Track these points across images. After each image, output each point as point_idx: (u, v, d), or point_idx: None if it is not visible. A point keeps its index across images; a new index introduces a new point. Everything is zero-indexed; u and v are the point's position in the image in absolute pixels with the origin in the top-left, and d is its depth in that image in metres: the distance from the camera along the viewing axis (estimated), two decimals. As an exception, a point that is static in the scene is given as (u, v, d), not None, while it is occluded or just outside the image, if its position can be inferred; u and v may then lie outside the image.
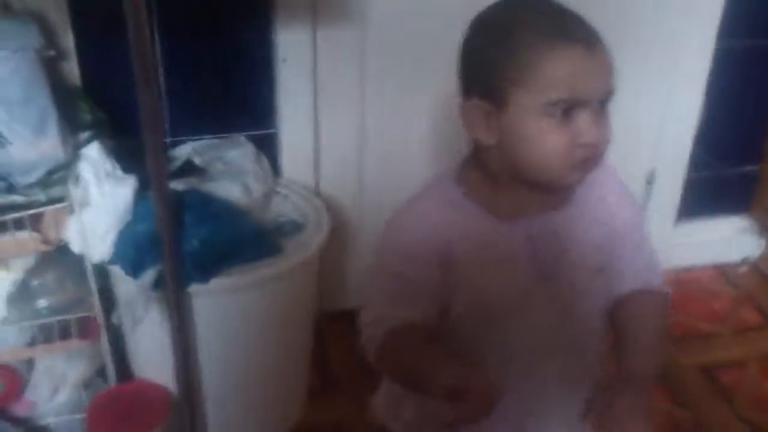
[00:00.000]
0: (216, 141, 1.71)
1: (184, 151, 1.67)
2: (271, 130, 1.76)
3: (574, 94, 0.86)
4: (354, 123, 1.82)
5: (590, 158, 0.90)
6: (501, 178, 0.95)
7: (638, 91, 1.89)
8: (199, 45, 1.65)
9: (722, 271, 2.27)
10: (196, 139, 1.71)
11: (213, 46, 1.65)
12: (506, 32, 0.89)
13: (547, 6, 0.90)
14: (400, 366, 0.94)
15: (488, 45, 0.91)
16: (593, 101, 0.87)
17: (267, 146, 1.76)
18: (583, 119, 0.87)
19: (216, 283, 1.42)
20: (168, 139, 1.69)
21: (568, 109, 0.86)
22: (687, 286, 2.22)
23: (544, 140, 0.88)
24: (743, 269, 2.28)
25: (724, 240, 2.25)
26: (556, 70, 0.86)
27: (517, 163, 0.92)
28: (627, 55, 1.87)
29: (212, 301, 1.47)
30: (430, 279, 0.95)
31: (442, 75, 1.78)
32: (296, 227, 1.59)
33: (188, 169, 1.55)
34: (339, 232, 1.96)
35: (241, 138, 1.71)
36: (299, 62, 1.69)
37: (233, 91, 1.71)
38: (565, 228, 0.97)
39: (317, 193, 1.85)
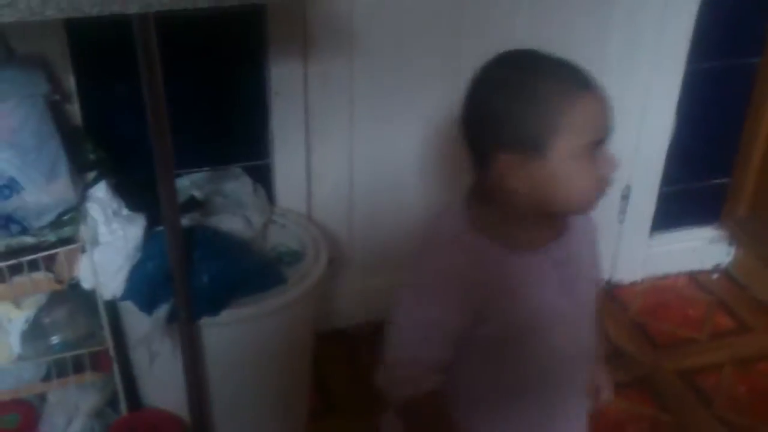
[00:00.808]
0: (213, 173, 1.76)
1: (182, 184, 1.71)
2: (266, 161, 1.82)
3: (599, 134, 0.97)
4: (344, 152, 1.89)
5: (608, 185, 1.01)
6: (525, 215, 1.01)
7: (614, 112, 1.98)
8: (195, 80, 1.69)
9: (696, 278, 2.38)
10: (193, 172, 1.76)
11: (208, 81, 1.71)
12: (529, 86, 0.95)
13: (547, 58, 0.98)
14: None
15: (513, 101, 0.96)
16: (606, 138, 0.98)
17: (261, 176, 1.81)
18: (604, 154, 0.98)
19: (225, 315, 1.48)
20: (166, 173, 1.74)
21: (594, 148, 0.96)
22: (663, 293, 2.32)
23: (582, 178, 0.97)
24: (715, 276, 2.39)
25: (696, 249, 2.36)
26: (587, 114, 0.95)
27: (554, 201, 0.99)
28: (604, 79, 1.99)
29: (221, 331, 1.53)
30: (461, 321, 1.02)
31: (428, 103, 1.89)
32: (295, 256, 1.65)
33: (191, 204, 1.60)
34: (332, 255, 2.02)
35: (238, 170, 1.77)
36: (291, 95, 1.75)
37: (228, 123, 1.76)
38: (573, 249, 1.07)
39: (310, 220, 1.91)
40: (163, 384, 1.61)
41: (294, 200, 1.87)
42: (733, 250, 2.37)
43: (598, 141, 0.96)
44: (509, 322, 1.03)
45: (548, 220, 1.03)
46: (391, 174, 1.96)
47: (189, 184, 1.72)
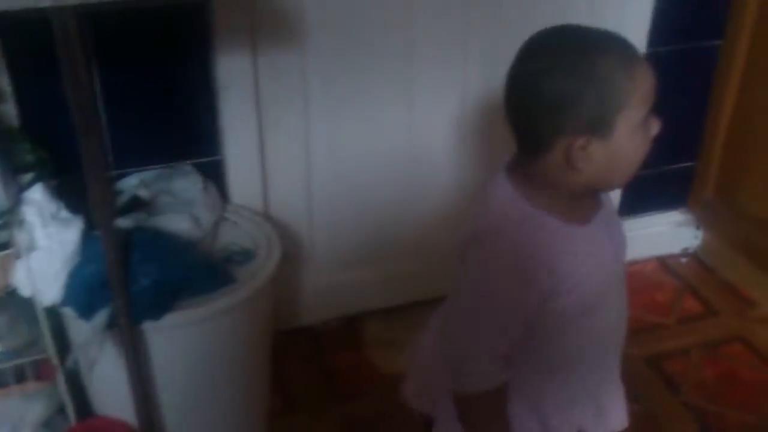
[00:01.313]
0: (163, 171, 1.71)
1: (130, 183, 1.67)
2: (217, 157, 1.77)
3: (652, 101, 0.97)
4: (300, 145, 1.85)
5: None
6: (578, 192, 1.01)
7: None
8: (139, 75, 1.65)
9: (664, 262, 2.35)
10: (142, 170, 1.71)
11: (153, 76, 1.66)
12: (583, 67, 0.92)
13: (588, 33, 0.96)
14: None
15: (569, 84, 0.93)
16: (652, 103, 0.98)
17: (214, 173, 1.77)
18: (653, 120, 0.98)
19: (170, 318, 1.43)
20: (114, 172, 1.69)
21: (648, 115, 0.97)
22: (632, 278, 2.23)
23: (641, 150, 0.98)
24: (684, 260, 2.36)
25: (664, 233, 2.33)
26: (644, 86, 0.94)
27: (615, 177, 1.01)
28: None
29: (168, 335, 1.48)
30: (538, 299, 1.01)
31: (387, 90, 1.85)
32: (247, 255, 1.61)
33: (134, 204, 1.55)
34: (291, 252, 1.98)
35: (188, 167, 1.72)
36: (241, 88, 1.70)
37: (176, 119, 1.71)
38: (610, 222, 1.10)
39: (267, 216, 1.86)
40: (111, 390, 1.56)
41: (249, 196, 1.82)
42: (701, 234, 2.34)
43: (651, 108, 0.97)
44: (584, 292, 1.03)
45: (593, 194, 1.05)
46: (352, 165, 1.91)
47: (137, 182, 1.67)
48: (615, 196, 2.21)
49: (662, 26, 1.97)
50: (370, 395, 1.91)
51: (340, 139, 1.87)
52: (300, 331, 2.10)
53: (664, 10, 1.95)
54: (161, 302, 1.41)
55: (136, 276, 1.38)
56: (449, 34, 1.83)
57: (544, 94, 0.94)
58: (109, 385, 1.56)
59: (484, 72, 1.89)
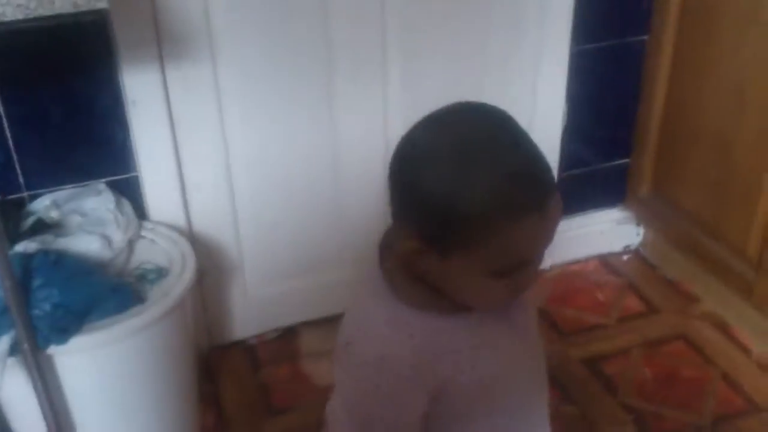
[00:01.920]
0: (75, 190, 1.67)
1: (42, 204, 1.63)
2: (133, 174, 1.74)
3: (523, 258, 0.83)
4: (219, 157, 1.81)
5: (519, 295, 0.88)
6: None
7: (503, 97, 1.92)
8: (44, 95, 1.61)
9: (606, 261, 2.33)
10: (55, 190, 1.68)
11: (59, 95, 1.62)
12: (452, 184, 0.78)
13: (502, 145, 0.80)
14: None
15: (430, 190, 0.80)
16: (539, 257, 0.85)
17: (130, 190, 1.73)
18: (525, 274, 0.85)
19: (76, 342, 1.40)
20: (24, 193, 1.66)
21: (511, 270, 0.83)
22: (573, 278, 2.27)
23: (483, 294, 0.85)
24: (626, 257, 2.35)
25: (605, 231, 2.31)
26: (509, 241, 0.79)
27: (450, 295, 0.87)
28: (488, 69, 1.94)
29: (78, 358, 1.45)
30: (420, 415, 0.89)
31: (303, 94, 1.82)
32: (161, 273, 1.57)
33: (38, 227, 1.51)
34: (220, 266, 1.95)
35: (101, 185, 1.68)
36: (151, 103, 1.66)
37: (87, 137, 1.67)
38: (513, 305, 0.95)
39: (190, 232, 1.83)
40: (26, 415, 1.52)
41: (169, 213, 1.79)
42: (642, 230, 2.33)
43: (520, 264, 0.83)
44: (479, 387, 0.91)
45: None
46: (275, 174, 1.88)
47: (49, 203, 1.63)
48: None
49: (586, 23, 1.95)
50: (306, 408, 1.88)
51: (260, 149, 1.84)
52: (235, 345, 2.07)
53: (586, 6, 1.93)
54: (65, 326, 1.37)
55: (36, 301, 1.35)
56: (367, 36, 1.80)
57: (409, 176, 0.82)
58: (24, 410, 1.52)
59: (405, 72, 1.87)
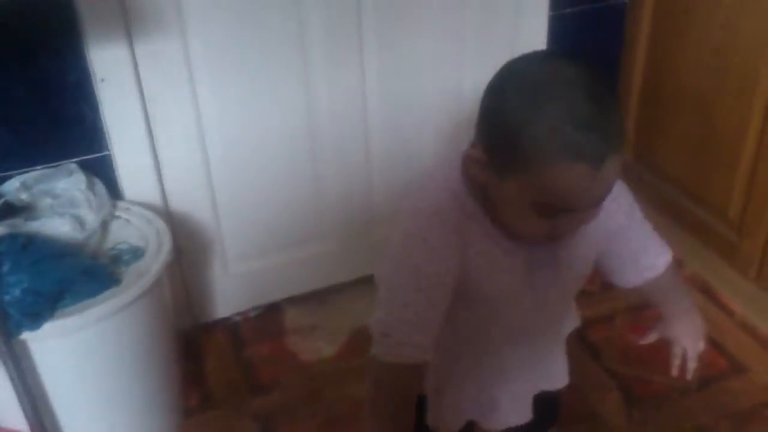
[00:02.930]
0: (46, 172, 1.64)
1: (11, 186, 1.59)
2: (105, 153, 1.70)
3: (563, 205, 0.87)
4: (193, 133, 1.78)
5: (557, 240, 0.94)
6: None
7: (482, 65, 1.89)
8: (8, 72, 1.56)
9: (589, 227, 2.32)
10: (26, 172, 1.64)
11: (24, 73, 1.57)
12: (524, 114, 0.83)
13: (580, 94, 0.83)
14: (377, 417, 0.99)
15: (503, 114, 0.86)
16: (576, 209, 0.89)
17: (103, 170, 1.70)
18: (566, 222, 0.90)
19: (51, 327, 1.37)
20: (-6, 176, 1.62)
21: (553, 210, 0.88)
22: (557, 246, 2.26)
23: (524, 224, 0.90)
24: (609, 223, 2.33)
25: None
26: (554, 183, 0.84)
27: (495, 214, 0.94)
28: (466, 37, 1.90)
29: (55, 342, 1.43)
30: (444, 302, 0.97)
31: (277, 71, 1.78)
32: (137, 253, 1.55)
33: (6, 210, 1.48)
34: (198, 243, 1.92)
35: (72, 166, 1.65)
36: (120, 80, 1.62)
37: (56, 117, 1.63)
38: (562, 251, 1.01)
39: (166, 210, 1.80)
40: (3, 402, 1.51)
41: (143, 192, 1.76)
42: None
43: (561, 210, 0.87)
44: (473, 294, 1.00)
45: None
46: (251, 148, 1.84)
47: (19, 185, 1.59)
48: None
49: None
50: (291, 385, 1.87)
51: (235, 123, 1.80)
52: (218, 323, 2.05)
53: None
54: (37, 311, 1.35)
55: (6, 287, 1.32)
56: (342, 6, 1.76)
57: (494, 97, 0.89)
58: (1, 398, 1.50)
59: (382, 44, 1.83)
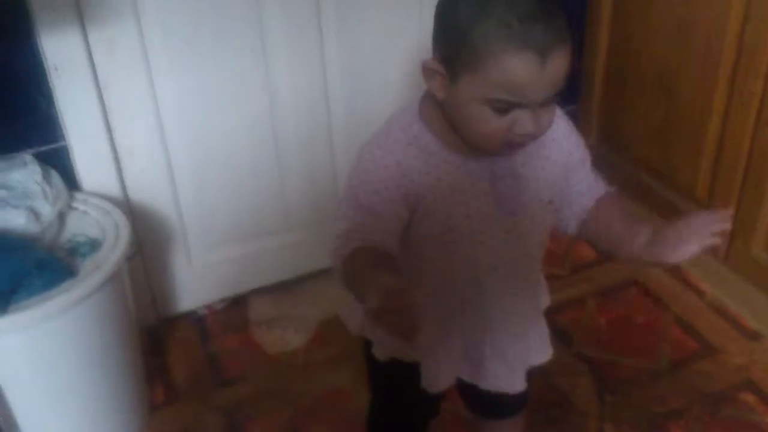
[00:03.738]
0: (0, 163, 1.58)
1: (-37, 179, 1.55)
2: (61, 143, 1.65)
3: (515, 99, 0.90)
4: (152, 121, 1.73)
5: (524, 143, 0.96)
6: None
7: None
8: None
9: (558, 211, 2.31)
10: (-22, 164, 1.59)
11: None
12: (472, 15, 0.89)
13: None
14: (350, 283, 0.96)
15: (454, 18, 0.91)
16: (534, 104, 0.91)
17: (59, 161, 1.65)
18: (521, 116, 0.92)
19: (5, 322, 1.33)
20: (-56, 169, 1.57)
21: (507, 106, 0.91)
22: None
23: (481, 125, 0.93)
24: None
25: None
26: (503, 74, 0.88)
27: (456, 128, 0.98)
28: (428, 8, 1.87)
29: (11, 338, 1.38)
30: (394, 213, 1.00)
31: (236, 55, 1.74)
32: (94, 245, 1.50)
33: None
34: (160, 234, 1.88)
35: (27, 157, 1.60)
36: (74, 67, 1.57)
37: (7, 107, 1.58)
38: (524, 168, 1.04)
39: (126, 201, 1.76)
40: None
41: (102, 183, 1.71)
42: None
43: (513, 104, 0.90)
44: (437, 219, 1.02)
45: None
46: (212, 135, 1.80)
47: (-30, 178, 1.55)
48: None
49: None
50: (257, 377, 1.84)
51: (194, 110, 1.76)
52: (183, 316, 2.01)
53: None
54: (-10, 306, 1.31)
55: (-44, 282, 1.28)
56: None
57: (441, 10, 0.94)
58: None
59: (342, 26, 1.80)
